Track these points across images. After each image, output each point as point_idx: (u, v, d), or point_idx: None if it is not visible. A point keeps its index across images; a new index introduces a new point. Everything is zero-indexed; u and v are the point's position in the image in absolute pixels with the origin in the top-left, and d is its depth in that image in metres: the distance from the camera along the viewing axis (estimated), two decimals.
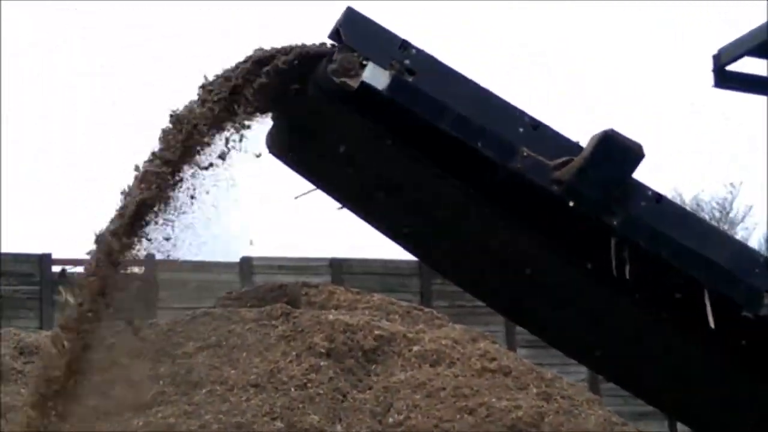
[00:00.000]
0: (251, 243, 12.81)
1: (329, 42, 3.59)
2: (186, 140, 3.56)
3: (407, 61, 3.54)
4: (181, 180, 3.66)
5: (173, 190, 3.63)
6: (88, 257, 3.68)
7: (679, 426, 11.38)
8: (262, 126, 3.85)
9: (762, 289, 3.55)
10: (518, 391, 5.62)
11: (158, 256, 3.96)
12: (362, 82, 3.48)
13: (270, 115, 3.87)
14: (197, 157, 3.65)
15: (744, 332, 3.65)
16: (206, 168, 3.67)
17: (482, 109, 3.57)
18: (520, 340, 11.27)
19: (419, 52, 3.58)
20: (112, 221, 3.58)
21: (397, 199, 4.28)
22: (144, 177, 3.55)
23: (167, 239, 3.77)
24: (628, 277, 3.51)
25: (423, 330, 6.23)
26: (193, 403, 5.32)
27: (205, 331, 5.92)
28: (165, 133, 3.60)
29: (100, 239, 3.57)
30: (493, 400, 5.43)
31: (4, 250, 11.90)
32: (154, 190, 3.54)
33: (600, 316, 4.24)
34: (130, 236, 3.58)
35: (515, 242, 4.05)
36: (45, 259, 11.79)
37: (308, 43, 3.63)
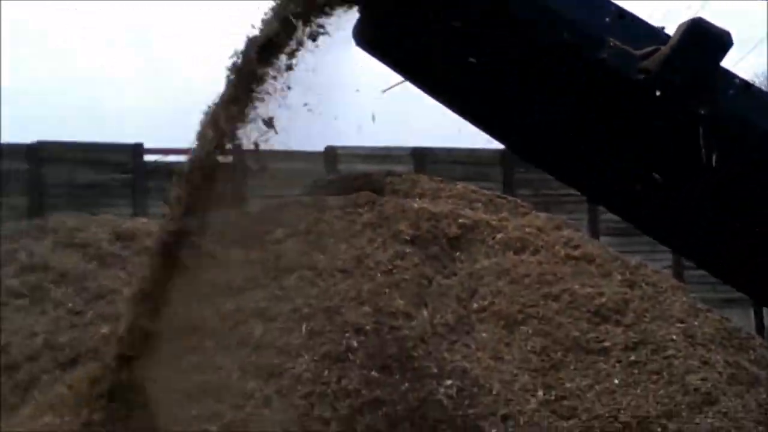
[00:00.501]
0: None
1: None
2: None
3: None
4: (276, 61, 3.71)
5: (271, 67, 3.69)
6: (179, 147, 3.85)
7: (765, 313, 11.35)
8: (350, 18, 3.87)
9: None
10: (602, 278, 5.67)
11: (246, 146, 4.06)
12: None
13: (357, 7, 3.89)
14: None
15: None
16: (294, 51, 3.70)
17: (574, 1, 3.56)
18: (604, 228, 11.19)
19: None
20: (221, 94, 3.69)
21: (484, 88, 4.28)
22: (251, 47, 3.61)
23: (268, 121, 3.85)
24: (714, 165, 3.50)
25: (506, 218, 6.26)
26: (283, 288, 5.50)
27: (294, 218, 6.05)
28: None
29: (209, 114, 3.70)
30: (577, 286, 5.49)
31: (99, 140, 12.36)
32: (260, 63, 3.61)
33: (682, 203, 4.26)
34: (237, 107, 3.68)
35: (597, 131, 4.05)
36: (138, 149, 12.16)
37: None
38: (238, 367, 5.06)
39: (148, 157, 12.08)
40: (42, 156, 10.95)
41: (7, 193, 10.12)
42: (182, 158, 4.67)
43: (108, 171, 11.72)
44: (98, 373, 4.83)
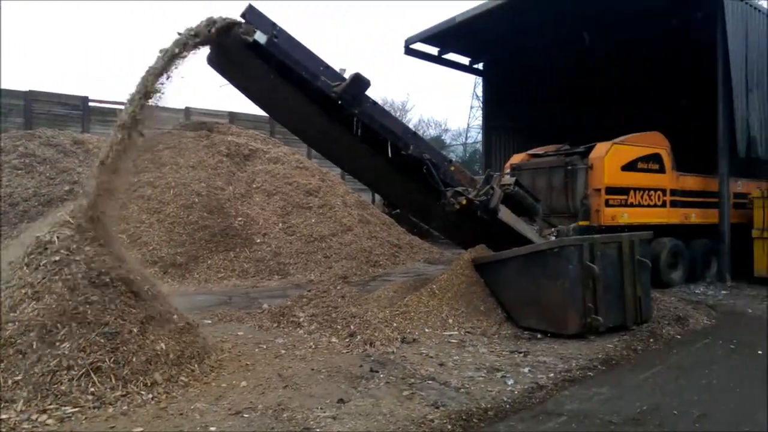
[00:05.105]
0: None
1: (240, 19, 6.12)
2: (175, 54, 5.55)
3: (275, 32, 6.22)
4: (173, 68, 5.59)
5: (173, 68, 5.54)
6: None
7: None
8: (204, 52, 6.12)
9: (408, 140, 7.46)
10: None
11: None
12: (255, 40, 6.12)
13: (209, 47, 6.16)
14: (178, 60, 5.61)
15: (408, 163, 7.52)
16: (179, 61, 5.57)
17: (308, 58, 6.51)
18: None
19: (281, 29, 6.33)
20: (149, 70, 5.40)
21: (284, 113, 7.55)
22: (169, 54, 5.49)
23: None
24: (360, 134, 6.94)
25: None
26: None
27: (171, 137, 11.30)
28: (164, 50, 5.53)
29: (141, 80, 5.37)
30: None
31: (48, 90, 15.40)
32: (171, 62, 5.47)
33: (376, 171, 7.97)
34: (159, 78, 5.43)
35: (329, 128, 7.18)
36: (84, 101, 17.16)
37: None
38: None
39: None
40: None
41: None
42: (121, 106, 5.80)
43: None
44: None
